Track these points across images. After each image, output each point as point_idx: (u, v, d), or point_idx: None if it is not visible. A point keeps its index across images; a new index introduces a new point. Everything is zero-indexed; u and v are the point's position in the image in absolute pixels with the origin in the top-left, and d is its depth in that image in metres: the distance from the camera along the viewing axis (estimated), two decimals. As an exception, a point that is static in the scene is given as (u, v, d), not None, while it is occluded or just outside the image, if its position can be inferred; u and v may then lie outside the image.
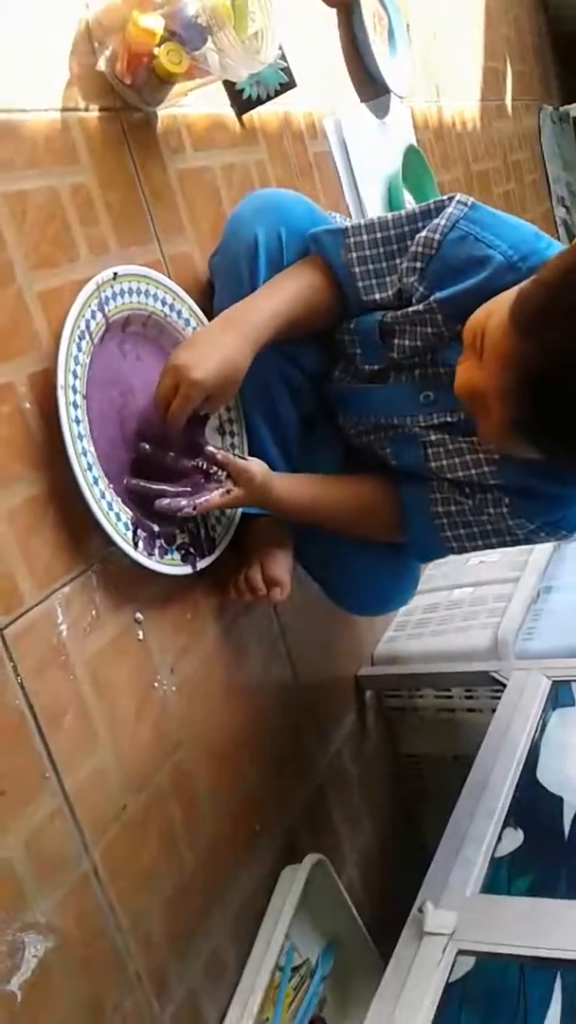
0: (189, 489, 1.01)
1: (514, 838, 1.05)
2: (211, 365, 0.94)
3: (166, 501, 0.96)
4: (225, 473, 1.01)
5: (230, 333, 0.97)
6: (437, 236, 0.97)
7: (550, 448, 0.82)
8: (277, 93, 1.33)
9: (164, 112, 1.12)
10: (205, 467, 1.02)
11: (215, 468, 1.02)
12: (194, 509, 0.97)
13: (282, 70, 1.32)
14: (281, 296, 1.01)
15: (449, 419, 1.03)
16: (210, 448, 1.01)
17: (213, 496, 0.99)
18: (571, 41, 3.47)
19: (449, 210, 0.97)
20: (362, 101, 1.70)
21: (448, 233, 0.96)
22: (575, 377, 0.74)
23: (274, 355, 1.06)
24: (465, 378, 0.86)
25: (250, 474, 1.01)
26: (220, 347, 0.95)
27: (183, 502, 0.97)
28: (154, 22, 0.99)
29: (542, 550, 1.65)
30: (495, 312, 0.82)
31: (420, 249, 0.98)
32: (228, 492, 1.00)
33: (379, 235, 1.03)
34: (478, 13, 2.56)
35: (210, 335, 0.98)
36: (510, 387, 0.79)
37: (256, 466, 1.02)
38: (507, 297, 0.82)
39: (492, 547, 1.09)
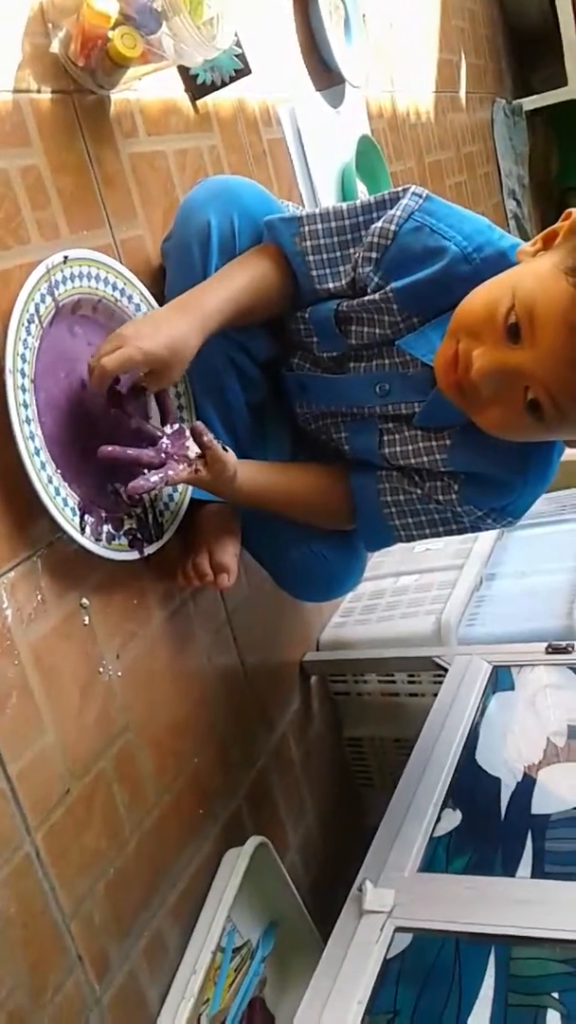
0: (162, 456, 0.99)
1: (452, 818, 1.08)
2: (160, 338, 0.94)
3: (140, 481, 0.95)
4: (195, 453, 1.00)
5: (181, 316, 0.97)
6: (393, 227, 0.98)
7: None
8: (232, 79, 1.32)
9: (117, 96, 1.11)
10: (164, 447, 1.01)
11: (169, 445, 1.00)
12: (165, 483, 0.97)
13: (237, 56, 1.32)
14: (233, 283, 1.02)
15: (403, 410, 1.04)
16: (199, 423, 1.00)
17: (181, 472, 0.98)
18: (525, 35, 3.51)
19: (404, 201, 0.99)
20: (317, 90, 1.70)
21: (404, 224, 0.98)
22: None
23: (224, 342, 1.07)
24: (495, 360, 0.85)
25: (224, 464, 1.01)
26: (170, 325, 0.95)
27: (154, 478, 0.96)
28: (109, 5, 0.98)
29: (486, 539, 1.69)
30: (535, 291, 0.82)
31: (375, 239, 0.99)
32: (196, 472, 1.00)
33: (333, 224, 1.04)
34: (434, 4, 2.58)
35: (160, 315, 0.99)
36: None
37: (232, 459, 1.02)
38: (536, 276, 0.83)
39: (439, 535, 1.11)
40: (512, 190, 3.22)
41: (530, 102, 3.35)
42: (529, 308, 0.82)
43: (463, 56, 2.80)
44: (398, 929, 0.93)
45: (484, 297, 0.87)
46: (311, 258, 1.04)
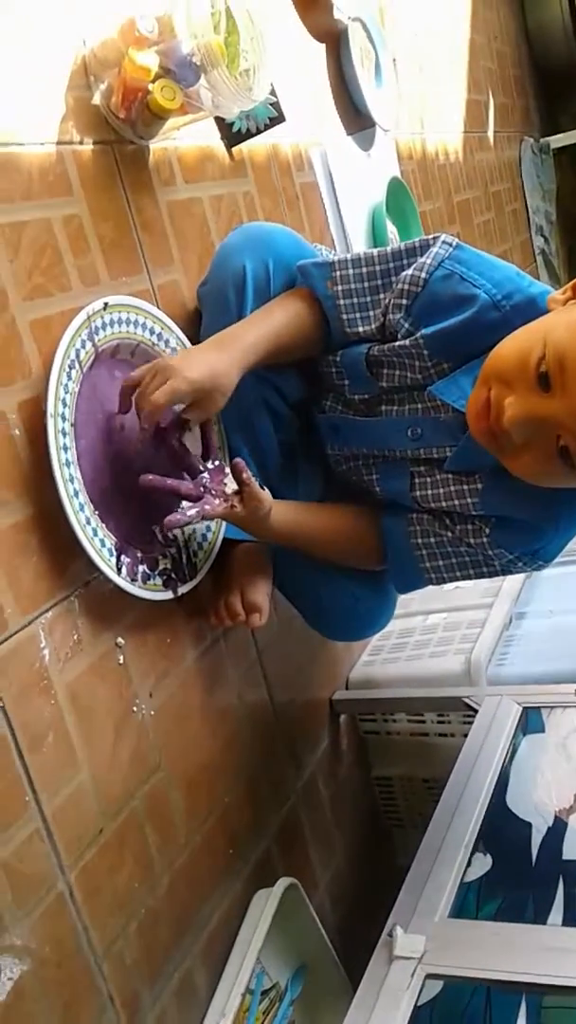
0: (200, 490, 1.01)
1: (483, 863, 1.07)
2: (203, 368, 0.96)
3: (176, 515, 0.97)
4: (232, 489, 1.02)
5: (220, 350, 0.99)
6: (423, 274, 1.00)
7: None
8: (266, 127, 1.36)
9: (156, 145, 1.14)
10: (203, 480, 1.03)
11: (208, 479, 1.03)
12: (201, 517, 0.99)
13: (272, 105, 1.35)
14: (270, 323, 1.04)
15: (435, 454, 1.05)
16: (239, 460, 1.02)
17: (217, 508, 1.00)
18: (552, 74, 3.55)
19: (435, 249, 1.00)
20: (348, 133, 1.74)
21: (434, 272, 0.99)
22: None
23: (257, 383, 1.08)
24: (526, 409, 0.86)
25: (259, 502, 1.02)
26: (210, 358, 0.97)
27: (191, 512, 0.98)
28: (149, 59, 1.02)
29: (515, 577, 1.69)
30: (564, 340, 0.84)
31: (406, 287, 1.01)
32: (232, 507, 1.02)
33: (364, 270, 1.05)
34: (462, 47, 2.62)
35: (200, 350, 1.00)
36: None
37: (268, 497, 1.04)
38: (563, 324, 0.85)
39: (470, 578, 1.11)
40: (540, 226, 3.24)
41: (557, 140, 3.38)
42: (560, 358, 0.83)
43: (491, 96, 2.84)
44: (429, 976, 0.93)
45: (516, 346, 0.89)
46: (342, 302, 1.06)
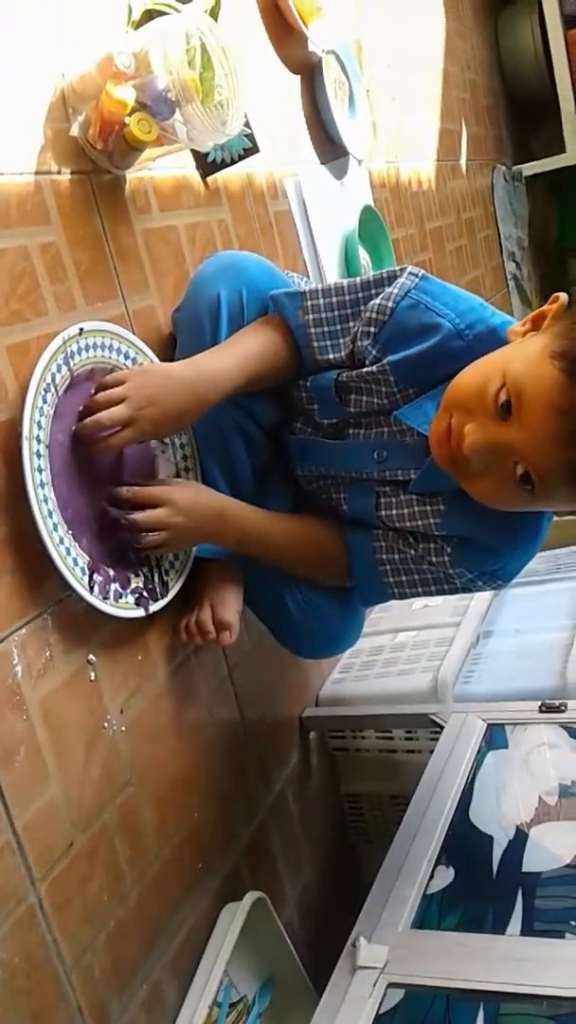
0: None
1: (445, 876, 1.10)
2: (171, 413, 1.01)
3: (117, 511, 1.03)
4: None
5: (194, 385, 1.02)
6: (390, 304, 1.04)
7: None
8: (241, 157, 1.39)
9: (133, 175, 1.17)
10: None
11: None
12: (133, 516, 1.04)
13: (246, 136, 1.39)
14: (244, 351, 1.07)
15: (400, 476, 1.09)
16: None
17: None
18: (525, 103, 3.63)
19: (401, 280, 1.04)
20: (322, 163, 1.78)
21: (400, 301, 1.03)
22: None
23: (231, 407, 1.12)
24: (485, 436, 0.90)
25: (171, 480, 1.09)
26: (180, 401, 1.01)
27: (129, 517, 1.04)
28: (126, 93, 1.05)
29: (482, 597, 1.72)
30: (523, 372, 0.87)
31: (374, 315, 1.05)
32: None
33: (335, 299, 1.09)
34: (436, 77, 2.68)
35: (176, 381, 1.02)
36: (568, 434, 0.84)
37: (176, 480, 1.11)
38: (526, 357, 0.88)
39: (431, 594, 1.14)
40: (512, 252, 3.31)
41: (530, 168, 3.45)
42: (518, 389, 0.87)
43: (464, 125, 2.90)
44: (391, 985, 0.95)
45: (476, 375, 0.93)
46: (313, 331, 1.09)
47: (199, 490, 1.11)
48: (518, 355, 0.90)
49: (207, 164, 1.34)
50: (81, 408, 1.01)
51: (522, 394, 0.87)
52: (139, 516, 1.04)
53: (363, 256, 1.84)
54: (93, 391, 1.01)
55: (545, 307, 0.92)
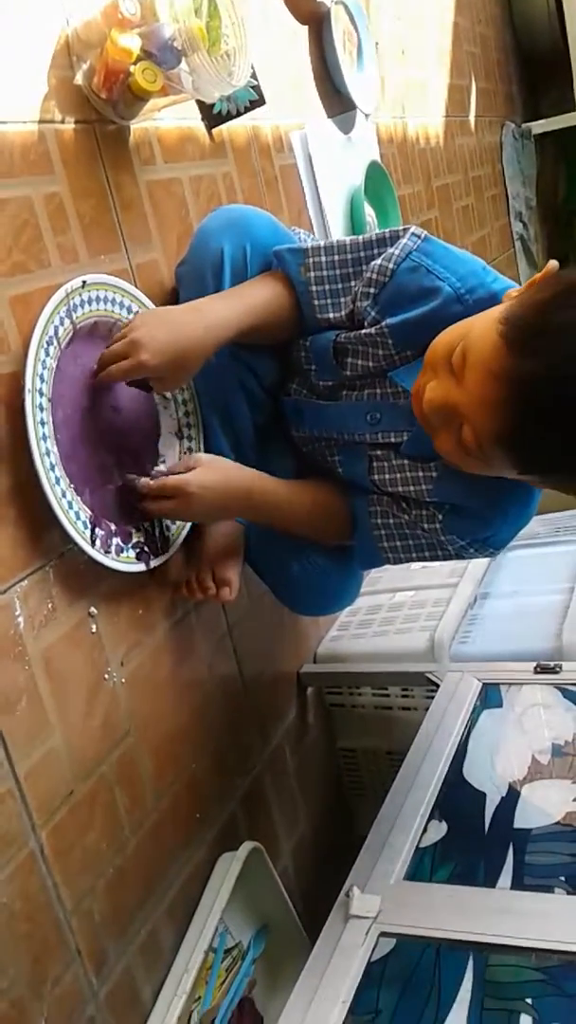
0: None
1: (439, 830, 1.12)
2: (171, 349, 0.99)
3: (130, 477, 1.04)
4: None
5: (196, 323, 1.02)
6: (391, 265, 1.03)
7: (531, 457, 0.87)
8: (247, 109, 1.37)
9: (137, 125, 1.16)
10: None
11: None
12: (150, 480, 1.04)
13: (252, 88, 1.37)
14: (248, 299, 1.07)
15: (392, 439, 1.09)
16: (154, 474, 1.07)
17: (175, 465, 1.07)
18: (536, 59, 3.57)
19: (403, 241, 1.03)
20: (329, 116, 1.75)
21: (401, 263, 1.02)
22: (567, 385, 0.80)
23: (232, 363, 1.11)
24: (439, 394, 0.91)
25: (196, 462, 1.07)
26: (184, 334, 1.00)
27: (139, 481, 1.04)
28: (131, 42, 1.03)
29: (480, 559, 1.73)
30: (475, 333, 0.88)
31: (374, 276, 1.04)
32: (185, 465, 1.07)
33: (336, 257, 1.08)
34: (446, 31, 2.63)
35: (176, 318, 1.02)
36: (499, 400, 0.84)
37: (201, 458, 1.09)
38: (485, 320, 0.88)
39: (425, 559, 1.15)
40: (519, 212, 3.27)
41: (539, 126, 3.40)
42: (466, 350, 0.88)
43: (473, 81, 2.85)
44: (382, 934, 0.98)
45: (447, 336, 0.93)
46: (314, 288, 1.09)
47: (218, 472, 1.07)
48: (483, 317, 0.90)
49: (213, 115, 1.32)
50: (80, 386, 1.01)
51: (467, 356, 0.88)
52: (151, 507, 1.04)
53: (369, 213, 1.82)
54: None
55: (538, 274, 0.91)
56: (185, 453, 1.13)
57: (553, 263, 0.90)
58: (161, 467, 1.10)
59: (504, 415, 0.84)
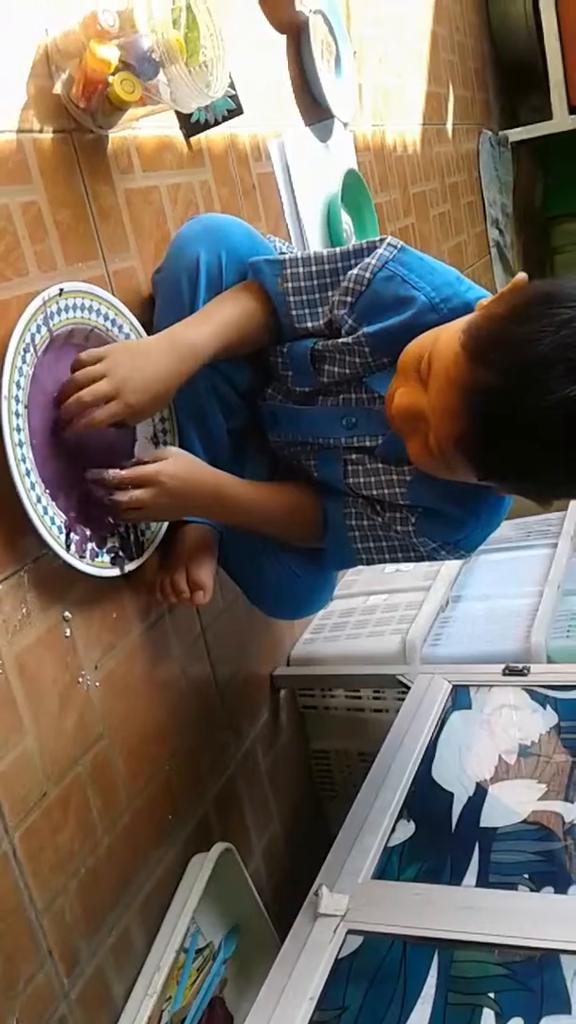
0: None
1: (407, 829, 1.14)
2: (148, 392, 1.00)
3: (96, 471, 1.03)
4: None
5: (170, 356, 1.03)
6: (367, 274, 1.05)
7: (488, 463, 0.90)
8: (225, 119, 1.39)
9: (115, 134, 1.17)
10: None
11: None
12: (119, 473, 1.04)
13: (230, 97, 1.39)
14: (220, 320, 1.08)
15: (367, 443, 1.11)
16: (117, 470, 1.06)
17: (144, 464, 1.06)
18: (513, 67, 3.61)
19: (380, 251, 1.06)
20: (306, 124, 1.77)
21: (378, 272, 1.05)
22: (521, 396, 0.83)
23: (208, 372, 1.13)
24: (407, 400, 0.95)
25: (165, 454, 1.08)
26: (160, 370, 1.02)
27: (109, 472, 1.03)
28: (110, 52, 1.05)
29: (452, 562, 1.76)
30: (441, 342, 0.91)
31: (351, 285, 1.06)
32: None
33: (314, 268, 1.11)
34: (424, 39, 2.66)
35: (153, 353, 1.03)
36: (459, 407, 0.87)
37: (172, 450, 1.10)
38: (451, 329, 0.91)
39: (398, 561, 1.18)
40: (496, 219, 3.31)
41: (516, 133, 3.44)
42: (432, 357, 0.91)
43: (451, 88, 2.88)
44: (350, 932, 1.00)
45: (417, 344, 0.96)
46: (291, 299, 1.11)
47: (188, 466, 1.08)
48: (451, 326, 0.93)
49: (191, 124, 1.34)
50: (56, 393, 1.01)
51: (432, 364, 0.91)
52: (121, 498, 1.03)
53: (345, 220, 1.84)
54: (71, 369, 1.01)
55: (506, 286, 0.94)
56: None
57: (521, 275, 0.93)
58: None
59: (462, 422, 0.87)
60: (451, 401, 0.88)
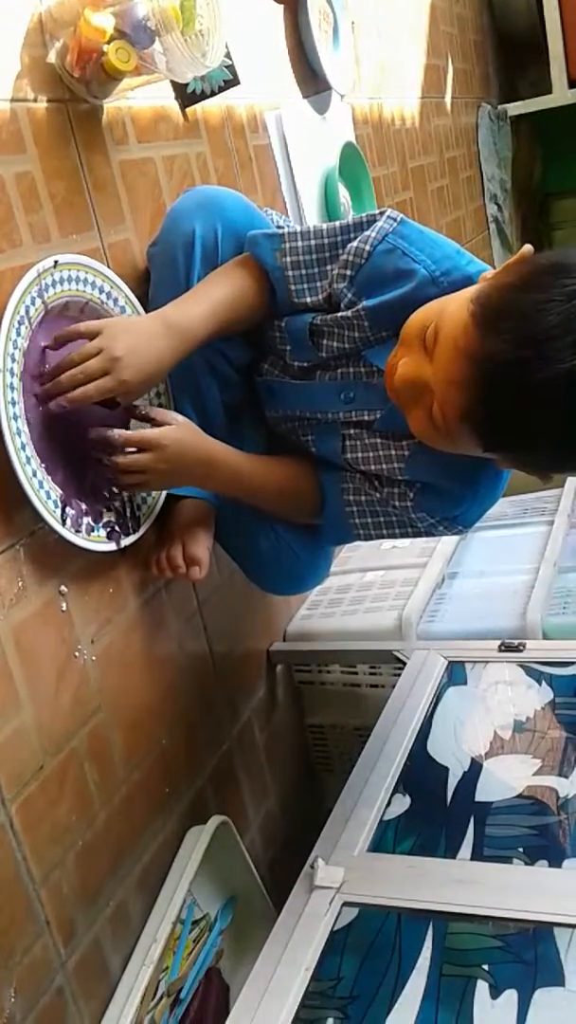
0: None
1: (402, 803, 1.15)
2: (141, 369, 1.00)
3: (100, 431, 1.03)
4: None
5: (165, 337, 1.02)
6: (367, 247, 1.04)
7: (494, 434, 0.89)
8: (221, 89, 1.37)
9: (110, 104, 1.16)
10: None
11: None
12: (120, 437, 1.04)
13: (227, 68, 1.37)
14: (214, 300, 1.08)
15: (366, 417, 1.11)
16: (139, 409, 1.08)
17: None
18: (513, 41, 3.57)
19: (379, 224, 1.05)
20: (304, 96, 1.75)
21: (378, 245, 1.04)
22: (530, 365, 0.82)
23: (204, 347, 1.12)
24: (410, 370, 0.94)
25: (170, 419, 1.08)
26: (154, 351, 1.01)
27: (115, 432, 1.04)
28: (105, 21, 1.03)
29: (449, 539, 1.76)
30: (448, 312, 0.90)
31: (351, 258, 1.06)
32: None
33: (313, 242, 1.10)
34: (423, 11, 2.63)
35: (147, 333, 1.02)
36: (466, 377, 0.86)
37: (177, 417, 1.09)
38: (458, 299, 0.91)
39: (396, 536, 1.18)
40: (494, 194, 3.28)
41: (515, 108, 3.41)
42: (439, 327, 0.90)
43: (450, 61, 2.85)
44: (345, 904, 1.00)
45: (422, 314, 0.96)
46: (290, 273, 1.10)
47: (191, 434, 1.09)
48: (458, 297, 0.92)
49: (187, 95, 1.32)
50: (47, 368, 1.00)
51: (439, 333, 0.90)
52: (122, 460, 1.04)
53: (343, 194, 1.82)
54: (53, 342, 1.00)
55: (512, 257, 0.93)
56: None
57: (528, 247, 0.93)
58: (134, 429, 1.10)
59: (469, 392, 0.87)
60: (459, 371, 0.87)
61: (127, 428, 1.11)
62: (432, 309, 0.94)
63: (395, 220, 1.05)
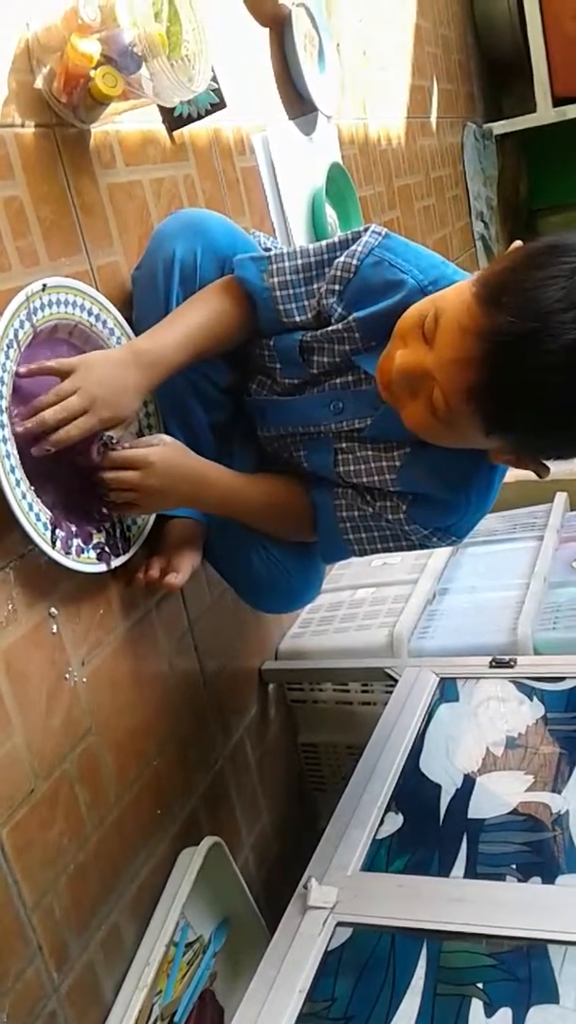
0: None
1: (395, 821, 1.15)
2: (123, 403, 1.02)
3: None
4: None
5: (136, 367, 1.04)
6: (355, 261, 1.06)
7: (498, 413, 0.89)
8: (208, 112, 1.39)
9: (97, 129, 1.17)
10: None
11: None
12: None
13: (213, 91, 1.38)
14: (186, 327, 1.09)
15: (357, 424, 1.12)
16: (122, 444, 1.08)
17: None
18: (497, 60, 3.61)
19: (365, 238, 1.07)
20: (290, 118, 1.77)
21: (365, 258, 1.06)
22: (535, 338, 0.83)
23: (187, 370, 1.13)
24: (410, 359, 0.95)
25: (158, 441, 1.10)
26: (129, 384, 1.03)
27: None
28: (91, 47, 1.04)
29: (440, 554, 1.77)
30: (447, 299, 0.92)
31: (339, 273, 1.07)
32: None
33: (300, 262, 1.11)
34: (408, 32, 2.65)
35: (119, 364, 1.04)
36: (471, 355, 0.87)
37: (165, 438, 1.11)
38: (455, 288, 0.93)
39: (390, 550, 1.18)
40: (480, 212, 3.31)
41: (500, 126, 3.44)
42: (439, 313, 0.92)
43: (435, 82, 2.88)
44: (339, 924, 1.00)
45: (418, 307, 0.97)
46: (278, 293, 1.11)
47: (179, 452, 1.11)
48: (454, 288, 0.94)
49: (173, 119, 1.34)
50: (22, 408, 0.99)
51: (439, 317, 0.91)
52: (110, 475, 1.05)
53: (330, 214, 1.84)
54: (23, 371, 0.99)
55: (508, 250, 0.95)
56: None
57: (518, 242, 0.94)
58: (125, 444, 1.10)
59: (474, 371, 0.87)
60: (463, 349, 0.88)
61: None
62: (428, 301, 0.96)
63: (380, 234, 1.07)
